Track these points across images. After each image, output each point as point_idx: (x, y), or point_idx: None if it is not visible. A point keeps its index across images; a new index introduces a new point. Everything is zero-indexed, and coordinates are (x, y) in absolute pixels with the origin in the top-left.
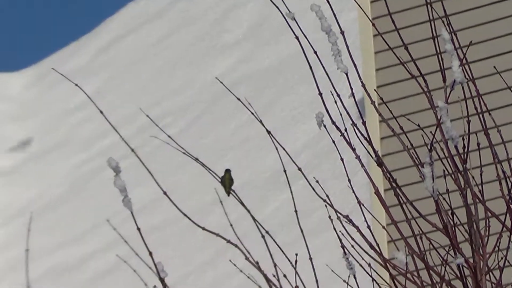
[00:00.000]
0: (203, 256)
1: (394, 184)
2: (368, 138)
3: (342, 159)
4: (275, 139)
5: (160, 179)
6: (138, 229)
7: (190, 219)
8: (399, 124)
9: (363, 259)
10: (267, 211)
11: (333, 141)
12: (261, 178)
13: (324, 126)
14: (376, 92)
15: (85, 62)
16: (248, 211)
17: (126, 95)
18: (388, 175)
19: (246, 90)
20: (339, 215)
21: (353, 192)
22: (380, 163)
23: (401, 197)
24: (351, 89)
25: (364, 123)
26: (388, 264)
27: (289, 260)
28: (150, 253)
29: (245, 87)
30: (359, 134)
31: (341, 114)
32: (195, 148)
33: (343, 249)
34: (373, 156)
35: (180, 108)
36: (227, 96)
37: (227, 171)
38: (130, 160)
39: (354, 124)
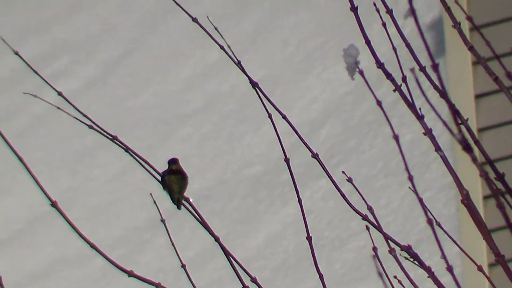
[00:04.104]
0: None
1: (500, 186)
2: (445, 95)
3: (396, 137)
4: (272, 104)
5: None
6: None
7: (115, 264)
8: (506, 70)
9: None
10: (259, 232)
11: (379, 104)
12: (248, 174)
13: (360, 73)
14: (462, 9)
15: None
16: (217, 240)
17: None
18: (490, 168)
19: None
20: (393, 246)
21: (421, 203)
22: (469, 146)
23: None
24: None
25: (436, 67)
26: None
27: None
28: None
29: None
30: (429, 89)
31: (394, 49)
32: (112, 119)
33: None
34: (457, 132)
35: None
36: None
37: (173, 163)
38: None
39: (421, 68)
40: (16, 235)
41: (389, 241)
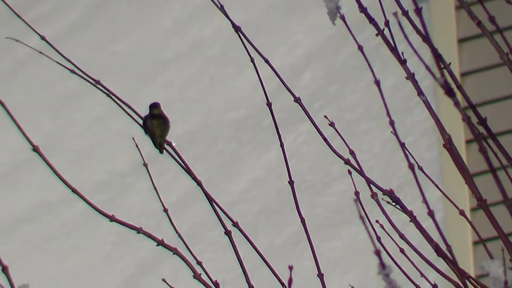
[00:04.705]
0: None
1: (482, 130)
2: (428, 39)
3: (378, 82)
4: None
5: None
6: None
7: (96, 209)
8: (489, 15)
9: (421, 274)
10: (242, 177)
11: (360, 49)
12: (231, 118)
13: (342, 17)
14: None
15: None
16: (200, 184)
17: None
18: (472, 113)
19: None
20: (375, 190)
21: (402, 147)
22: (451, 90)
23: (498, 156)
24: None
25: (419, 11)
26: (472, 285)
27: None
28: None
29: None
30: (412, 33)
31: None
32: (95, 64)
33: (379, 257)
34: (439, 76)
35: None
36: None
37: (154, 107)
38: None
39: (404, 13)
40: None
41: (371, 185)
